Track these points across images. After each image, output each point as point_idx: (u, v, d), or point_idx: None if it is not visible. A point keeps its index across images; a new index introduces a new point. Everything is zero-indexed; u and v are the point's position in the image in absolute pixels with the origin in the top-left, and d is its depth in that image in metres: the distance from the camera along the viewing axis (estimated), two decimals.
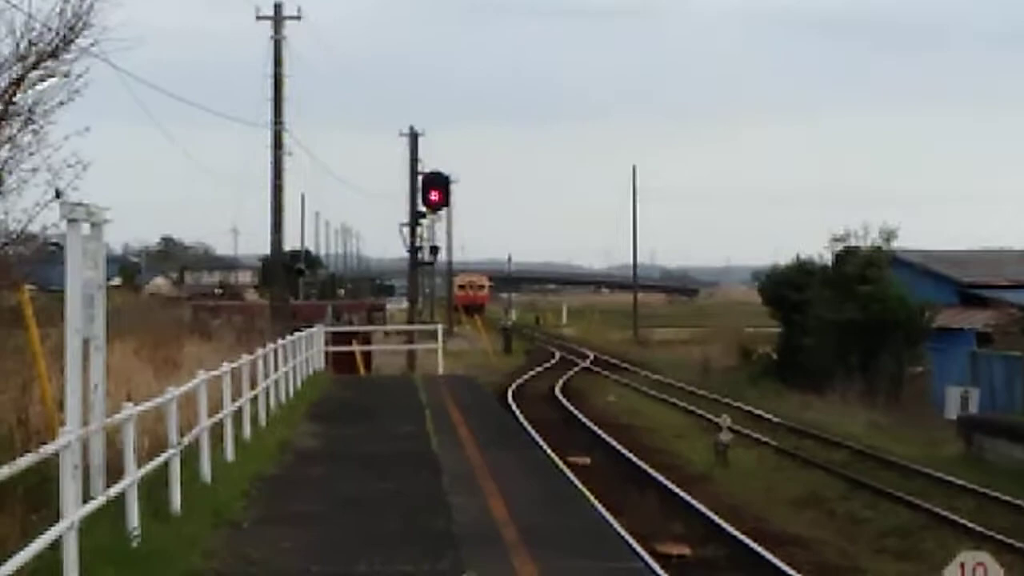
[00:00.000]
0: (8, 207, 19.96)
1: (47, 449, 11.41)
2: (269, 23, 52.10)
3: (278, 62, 51.66)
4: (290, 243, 72.47)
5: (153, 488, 15.80)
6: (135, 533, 13.93)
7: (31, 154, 19.71)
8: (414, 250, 59.73)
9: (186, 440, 16.99)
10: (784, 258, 68.57)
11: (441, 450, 24.04)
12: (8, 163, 19.71)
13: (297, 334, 35.87)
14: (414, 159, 61.69)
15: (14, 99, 19.77)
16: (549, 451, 30.43)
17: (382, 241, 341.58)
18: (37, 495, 13.95)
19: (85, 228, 14.62)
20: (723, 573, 20.79)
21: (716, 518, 24.84)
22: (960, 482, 29.89)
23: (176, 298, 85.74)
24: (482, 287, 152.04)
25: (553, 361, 77.96)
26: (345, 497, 19.00)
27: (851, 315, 52.74)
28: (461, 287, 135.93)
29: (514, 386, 56.13)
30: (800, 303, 58.85)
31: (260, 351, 26.90)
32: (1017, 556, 21.86)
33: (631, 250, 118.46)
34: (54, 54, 19.97)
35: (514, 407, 45.56)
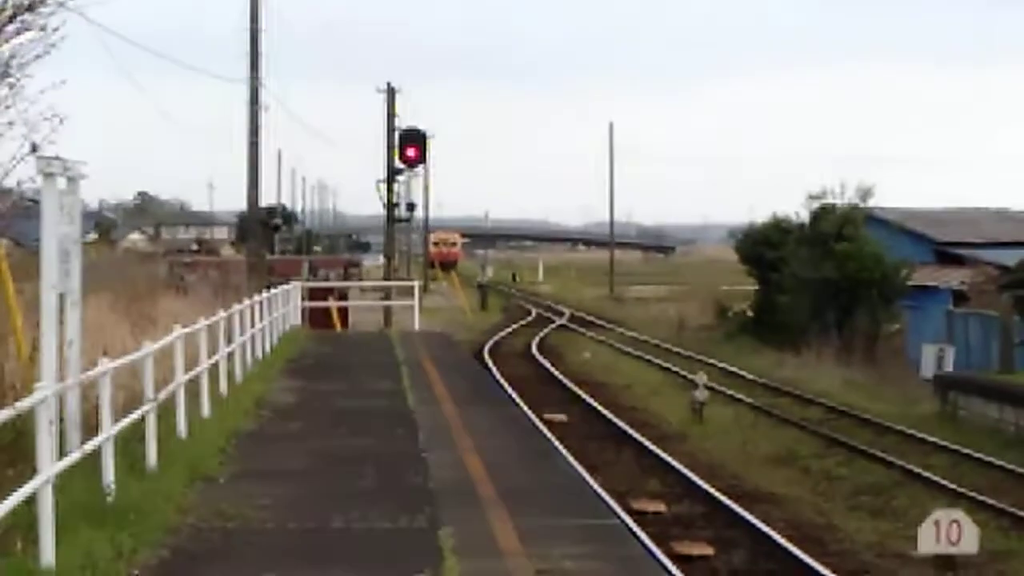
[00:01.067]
0: None
1: (22, 404, 11.35)
2: None
3: (255, 17, 51.28)
4: (266, 199, 72.22)
5: (129, 444, 15.79)
6: (111, 488, 13.90)
7: (7, 108, 19.58)
8: (390, 206, 59.51)
9: (162, 395, 16.94)
10: (761, 216, 68.61)
11: (418, 406, 24.04)
12: None
13: (273, 290, 35.80)
14: (391, 115, 61.31)
15: None
16: (525, 408, 30.45)
17: (359, 197, 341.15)
18: (13, 450, 13.93)
19: (61, 183, 14.53)
20: (698, 530, 20.84)
21: (692, 475, 24.91)
22: (935, 440, 30.01)
23: (152, 254, 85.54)
24: (454, 244, 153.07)
25: (529, 318, 77.93)
26: (321, 453, 19.01)
27: (827, 273, 52.80)
28: (435, 244, 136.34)
29: (490, 343, 56.17)
30: (776, 261, 58.85)
31: (236, 307, 26.83)
32: (991, 514, 21.96)
33: (608, 207, 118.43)
34: (31, 7, 19.81)
35: (490, 364, 45.62)
